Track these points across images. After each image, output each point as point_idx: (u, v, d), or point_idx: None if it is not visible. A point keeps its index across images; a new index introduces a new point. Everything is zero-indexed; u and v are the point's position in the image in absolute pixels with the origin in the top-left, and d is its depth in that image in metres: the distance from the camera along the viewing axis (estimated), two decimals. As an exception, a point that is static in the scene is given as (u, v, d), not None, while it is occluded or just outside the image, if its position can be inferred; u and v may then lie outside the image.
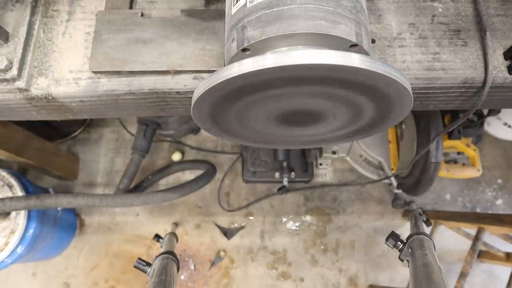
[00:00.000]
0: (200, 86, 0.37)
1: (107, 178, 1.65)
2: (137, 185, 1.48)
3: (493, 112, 1.45)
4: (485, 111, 1.47)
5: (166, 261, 0.67)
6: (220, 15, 0.53)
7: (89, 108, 0.56)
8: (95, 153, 1.70)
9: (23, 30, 0.52)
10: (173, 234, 0.99)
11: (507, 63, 0.51)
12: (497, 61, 0.52)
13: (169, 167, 1.60)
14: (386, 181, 1.61)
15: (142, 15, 0.53)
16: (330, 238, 1.64)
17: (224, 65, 0.49)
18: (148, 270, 0.69)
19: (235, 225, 1.63)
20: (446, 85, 0.52)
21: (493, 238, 1.32)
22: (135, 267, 0.71)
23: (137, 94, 0.52)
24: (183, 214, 1.64)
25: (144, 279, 0.73)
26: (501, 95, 0.55)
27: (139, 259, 0.71)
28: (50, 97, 0.53)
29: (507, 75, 0.51)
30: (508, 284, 1.20)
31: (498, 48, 0.52)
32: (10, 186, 1.12)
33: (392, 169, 1.48)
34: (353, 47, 0.40)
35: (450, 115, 1.29)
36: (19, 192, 1.11)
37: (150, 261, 0.72)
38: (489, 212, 1.70)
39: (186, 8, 0.54)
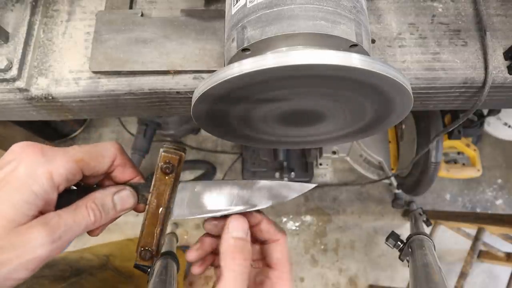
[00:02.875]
0: (200, 86, 0.37)
1: (107, 178, 1.65)
2: (137, 185, 1.48)
3: (493, 112, 1.45)
4: (485, 111, 1.47)
5: (166, 261, 0.66)
6: (220, 15, 0.53)
7: (89, 108, 0.56)
8: (95, 153, 1.70)
9: (23, 30, 0.52)
10: (173, 234, 1.00)
11: (507, 63, 0.51)
12: (497, 61, 0.52)
13: (169, 167, 1.60)
14: (386, 181, 1.61)
15: (142, 15, 0.53)
16: (330, 238, 1.64)
17: (224, 65, 0.49)
18: (148, 270, 0.69)
19: (235, 225, 1.63)
20: (446, 85, 0.52)
21: (493, 238, 1.32)
22: (135, 267, 0.71)
23: (137, 94, 0.52)
24: (183, 214, 1.64)
25: (144, 284, 0.73)
26: (501, 95, 0.55)
27: (139, 259, 0.71)
28: (50, 97, 0.53)
29: (507, 75, 0.51)
30: (508, 284, 1.21)
31: (498, 48, 0.52)
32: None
33: (392, 169, 1.48)
34: (353, 47, 0.40)
35: (450, 115, 1.29)
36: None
37: (150, 261, 0.72)
38: (489, 212, 1.70)
39: (186, 8, 0.54)
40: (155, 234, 0.39)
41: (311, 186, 0.42)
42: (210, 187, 0.41)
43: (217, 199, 0.41)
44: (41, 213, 0.33)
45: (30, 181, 0.32)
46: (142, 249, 0.39)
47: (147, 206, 0.39)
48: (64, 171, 0.34)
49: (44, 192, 0.32)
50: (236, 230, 0.37)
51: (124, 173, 0.40)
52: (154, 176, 0.39)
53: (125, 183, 0.41)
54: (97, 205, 0.36)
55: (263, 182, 0.41)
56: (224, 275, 0.34)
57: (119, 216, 0.40)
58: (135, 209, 0.41)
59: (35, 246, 0.31)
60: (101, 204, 0.37)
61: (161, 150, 0.39)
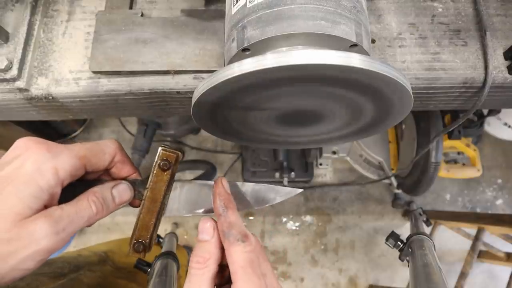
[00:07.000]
0: (200, 86, 0.37)
1: (107, 178, 1.65)
2: (137, 185, 1.49)
3: (493, 112, 1.45)
4: (485, 111, 1.47)
5: (166, 261, 0.67)
6: (220, 15, 0.53)
7: (89, 108, 0.56)
8: (95, 153, 1.70)
9: (23, 30, 0.52)
10: (173, 234, 1.00)
11: (507, 63, 0.51)
12: (497, 61, 0.52)
13: (169, 167, 1.60)
14: (386, 181, 1.61)
15: (142, 15, 0.53)
16: (330, 238, 1.64)
17: (224, 65, 0.49)
18: (148, 270, 0.69)
19: (235, 225, 1.63)
20: (446, 85, 0.52)
21: (493, 238, 1.32)
22: (135, 267, 0.71)
23: (137, 94, 0.52)
24: (183, 214, 1.63)
25: (144, 279, 0.73)
26: (501, 95, 0.55)
27: (139, 259, 0.71)
28: (50, 97, 0.53)
29: (507, 75, 0.51)
30: (508, 284, 1.21)
31: (498, 48, 0.52)
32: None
33: (392, 169, 1.48)
34: (353, 47, 0.40)
35: (450, 115, 1.29)
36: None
37: (150, 261, 0.72)
38: (489, 212, 1.70)
39: (186, 8, 0.54)
40: (150, 228, 0.41)
41: (298, 191, 0.45)
42: (201, 188, 0.44)
43: (206, 199, 0.43)
44: (46, 207, 0.34)
45: (37, 176, 0.33)
46: (136, 241, 0.41)
47: (143, 201, 0.41)
48: (68, 167, 0.35)
49: (49, 187, 0.33)
50: (200, 232, 0.38)
51: (122, 169, 0.42)
52: (151, 172, 0.41)
53: (123, 179, 0.42)
54: (98, 198, 0.37)
55: (249, 184, 0.43)
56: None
57: (117, 209, 0.41)
58: (131, 203, 0.43)
59: (40, 237, 0.32)
60: (102, 197, 0.38)
61: (160, 148, 0.41)
